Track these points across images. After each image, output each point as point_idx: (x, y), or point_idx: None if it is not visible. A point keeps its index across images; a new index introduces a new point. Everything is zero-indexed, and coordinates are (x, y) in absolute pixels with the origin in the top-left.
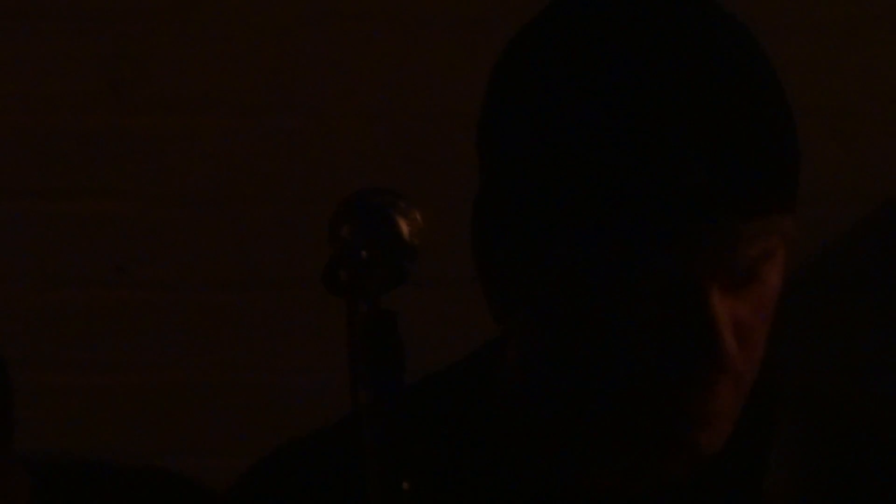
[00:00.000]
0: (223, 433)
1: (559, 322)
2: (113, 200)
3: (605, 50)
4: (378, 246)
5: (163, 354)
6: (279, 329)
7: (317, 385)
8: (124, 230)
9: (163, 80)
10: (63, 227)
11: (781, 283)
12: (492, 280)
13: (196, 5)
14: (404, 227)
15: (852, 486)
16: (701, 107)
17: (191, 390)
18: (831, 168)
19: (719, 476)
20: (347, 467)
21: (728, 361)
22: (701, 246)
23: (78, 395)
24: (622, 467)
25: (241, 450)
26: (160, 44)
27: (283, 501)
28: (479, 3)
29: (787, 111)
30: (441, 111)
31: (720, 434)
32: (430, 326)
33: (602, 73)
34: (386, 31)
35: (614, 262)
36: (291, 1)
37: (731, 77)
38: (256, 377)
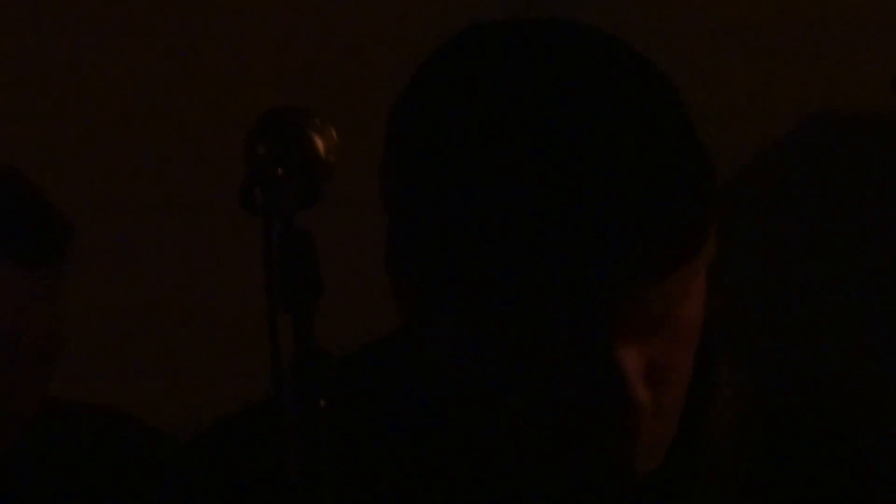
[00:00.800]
0: (139, 356)
1: (475, 364)
2: (25, 125)
3: (509, 106)
4: (293, 163)
5: (80, 278)
6: (195, 251)
7: (233, 306)
8: (38, 155)
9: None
10: None
11: (704, 302)
12: (405, 308)
13: None
14: (320, 145)
15: (789, 472)
16: (610, 174)
17: (107, 314)
18: (750, 87)
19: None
20: (274, 446)
21: (638, 410)
22: (607, 308)
23: None
24: (553, 482)
25: (158, 371)
26: None
27: (215, 485)
28: None
29: (699, 154)
30: (356, 30)
31: (653, 458)
32: (347, 246)
33: (506, 134)
34: None
35: (519, 329)
36: None
37: (637, 138)
38: (173, 299)
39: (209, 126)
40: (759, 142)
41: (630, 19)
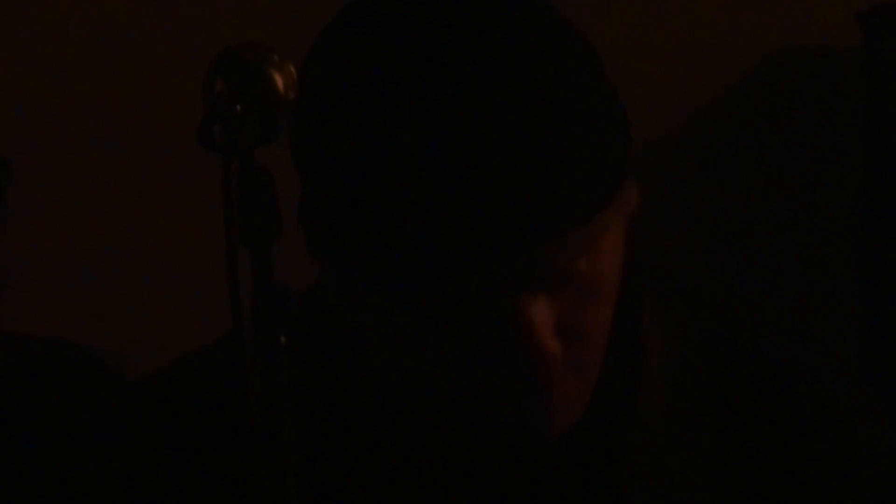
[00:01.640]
0: (104, 296)
1: (395, 326)
2: None
3: (416, 55)
4: (252, 100)
5: (46, 218)
6: (156, 190)
7: (194, 245)
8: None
9: None
10: None
11: (619, 257)
12: (321, 259)
13: None
14: (278, 81)
15: (724, 412)
16: (512, 126)
17: (71, 253)
18: (716, 23)
19: (593, 414)
20: (233, 383)
21: (551, 361)
22: (510, 263)
23: None
24: (485, 442)
25: (119, 312)
26: None
27: (173, 421)
28: None
29: (609, 107)
30: None
31: (568, 418)
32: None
33: (414, 82)
34: None
35: (430, 286)
36: None
37: (541, 89)
38: (135, 240)
39: (168, 63)
40: (725, 77)
41: None
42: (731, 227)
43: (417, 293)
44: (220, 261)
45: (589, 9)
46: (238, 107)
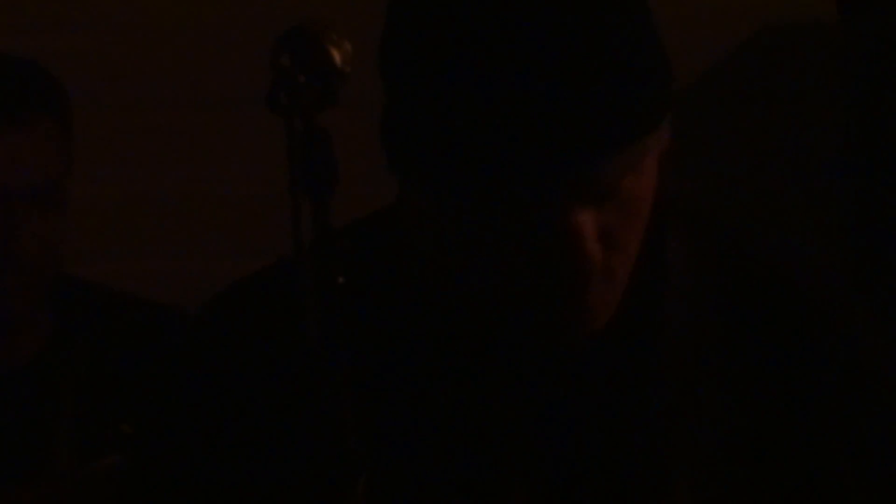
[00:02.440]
0: (179, 236)
1: (453, 240)
2: (64, 35)
3: (485, 6)
4: (313, 72)
5: (123, 168)
6: (228, 144)
7: (259, 194)
8: (77, 62)
9: None
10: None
11: (654, 182)
12: (395, 171)
13: None
14: (336, 56)
15: (743, 321)
16: (569, 54)
17: (148, 200)
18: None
19: (621, 326)
20: (292, 311)
21: (591, 264)
22: (564, 175)
23: None
24: (526, 340)
25: (192, 251)
26: None
27: (247, 324)
28: None
29: (647, 30)
30: None
31: (600, 315)
32: (358, 141)
33: (475, 22)
34: None
35: (497, 189)
36: None
37: (597, 22)
38: (207, 187)
39: (241, 34)
40: (709, 55)
41: None
42: (719, 199)
43: (486, 197)
44: (282, 209)
45: None
46: (301, 77)
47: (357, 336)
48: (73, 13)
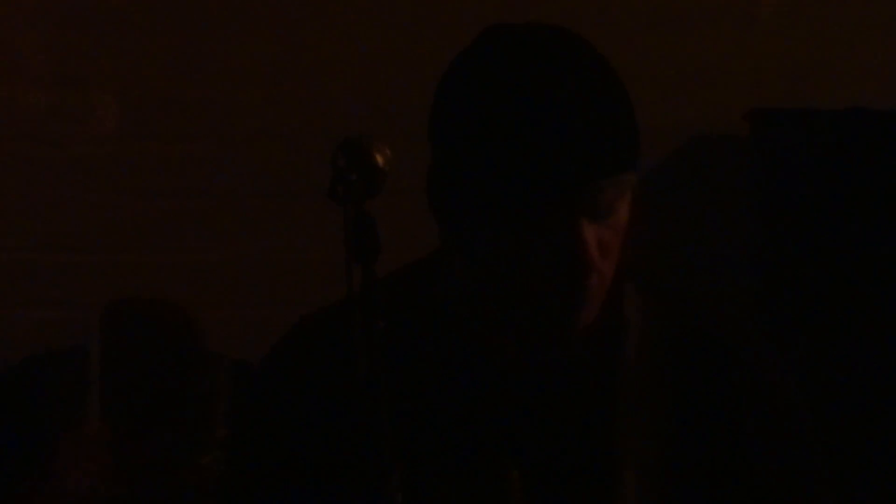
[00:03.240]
0: (263, 292)
1: (488, 254)
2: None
3: (515, 77)
4: (363, 171)
5: (206, 241)
6: (297, 227)
7: (322, 266)
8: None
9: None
10: None
11: (629, 216)
12: (441, 219)
13: None
14: (379, 159)
15: (678, 357)
16: (577, 115)
17: (227, 271)
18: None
19: (590, 354)
20: (344, 352)
21: (594, 265)
22: (578, 197)
23: None
24: (534, 336)
25: (265, 314)
26: None
27: (312, 356)
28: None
29: (628, 104)
30: (404, 85)
31: (591, 310)
32: (396, 226)
33: (512, 93)
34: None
35: (513, 213)
36: None
37: (595, 97)
38: (277, 258)
39: (307, 142)
40: (649, 157)
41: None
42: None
43: (522, 219)
44: (339, 273)
45: None
46: (354, 175)
47: (393, 363)
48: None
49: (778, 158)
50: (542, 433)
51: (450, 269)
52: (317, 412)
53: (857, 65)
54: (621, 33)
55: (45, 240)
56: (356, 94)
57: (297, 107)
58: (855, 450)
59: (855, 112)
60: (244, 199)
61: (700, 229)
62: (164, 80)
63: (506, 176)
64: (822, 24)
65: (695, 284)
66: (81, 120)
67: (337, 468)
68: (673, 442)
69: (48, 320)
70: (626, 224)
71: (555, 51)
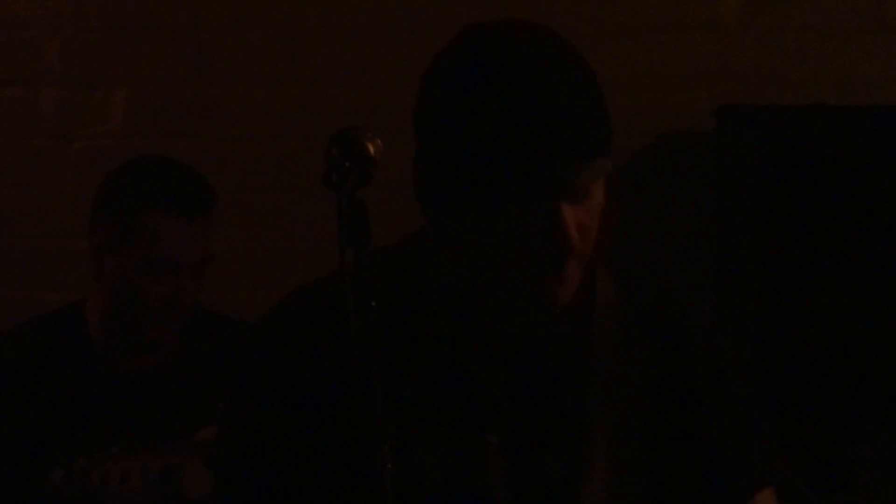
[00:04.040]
0: (254, 286)
1: (471, 238)
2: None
3: (496, 68)
4: (355, 160)
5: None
6: (294, 215)
7: (317, 249)
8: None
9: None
10: None
11: (602, 203)
12: (426, 206)
13: None
14: (371, 149)
15: (641, 332)
16: (554, 103)
17: (241, 256)
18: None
19: (565, 329)
20: (337, 305)
21: (573, 246)
22: (557, 181)
23: None
24: (515, 314)
25: (263, 285)
26: None
27: (304, 327)
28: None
29: (601, 94)
30: (394, 84)
31: (570, 289)
32: (385, 212)
33: (493, 84)
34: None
35: (504, 196)
36: None
37: (570, 86)
38: (277, 245)
39: (304, 134)
40: (620, 152)
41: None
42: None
43: (509, 201)
44: (332, 256)
45: None
46: (347, 164)
47: (382, 338)
48: (198, 122)
49: (743, 152)
50: (519, 401)
51: (436, 251)
52: (310, 381)
53: (816, 64)
54: (592, 36)
55: (61, 228)
56: (350, 93)
57: (295, 105)
58: (800, 417)
59: (816, 108)
60: (244, 192)
61: (667, 220)
62: (169, 80)
63: (487, 161)
64: (783, 25)
65: (657, 271)
66: (91, 116)
67: (330, 437)
68: (636, 407)
69: (66, 301)
70: (601, 207)
71: (533, 44)
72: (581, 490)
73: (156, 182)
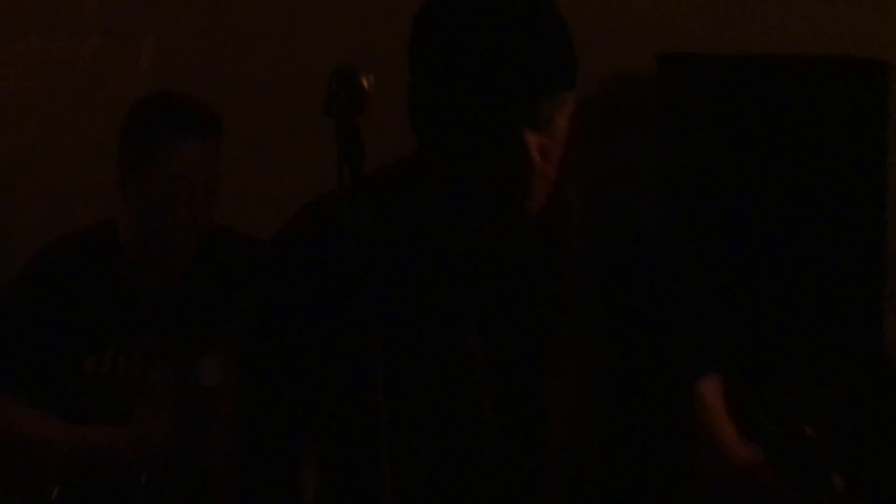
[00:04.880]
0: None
1: (455, 157)
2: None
3: (474, 10)
4: (351, 91)
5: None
6: (298, 138)
7: (318, 168)
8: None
9: None
10: None
11: (566, 134)
12: (418, 129)
13: None
14: (365, 82)
15: (604, 229)
16: (521, 45)
17: (252, 177)
18: None
19: (541, 239)
20: (335, 237)
21: (535, 165)
22: (521, 111)
23: None
24: (492, 223)
25: (267, 206)
26: None
27: (313, 237)
28: None
29: (568, 38)
30: (388, 30)
31: (537, 202)
32: (377, 133)
33: (470, 27)
34: None
35: (478, 124)
36: None
37: (538, 24)
38: (278, 163)
39: (312, 72)
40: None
41: None
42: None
43: (485, 125)
44: (332, 174)
45: None
46: (344, 95)
47: (376, 252)
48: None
49: (682, 98)
50: (501, 304)
51: (425, 170)
52: (313, 289)
53: (753, 13)
54: None
55: (95, 163)
56: (349, 34)
57: (300, 49)
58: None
59: (752, 58)
60: (258, 127)
61: (612, 161)
62: (194, 31)
63: (463, 93)
64: None
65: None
66: (123, 62)
67: (329, 339)
68: (600, 297)
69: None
70: (564, 132)
71: None
72: (548, 367)
73: (171, 109)
